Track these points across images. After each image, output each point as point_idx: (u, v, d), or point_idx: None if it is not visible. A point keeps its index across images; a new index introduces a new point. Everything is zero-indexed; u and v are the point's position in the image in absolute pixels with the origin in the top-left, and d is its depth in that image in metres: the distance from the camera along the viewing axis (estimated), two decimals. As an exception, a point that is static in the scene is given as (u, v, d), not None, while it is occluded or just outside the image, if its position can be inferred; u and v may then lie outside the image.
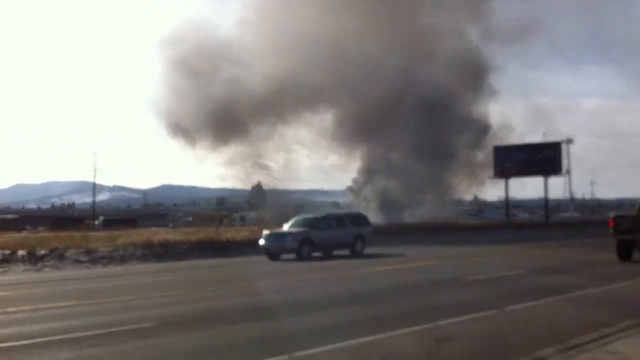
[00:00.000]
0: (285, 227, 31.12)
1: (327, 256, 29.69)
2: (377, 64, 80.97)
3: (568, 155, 79.75)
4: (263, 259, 28.60)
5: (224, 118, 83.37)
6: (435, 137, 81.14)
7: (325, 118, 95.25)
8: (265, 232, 30.56)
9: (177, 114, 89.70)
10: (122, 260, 29.42)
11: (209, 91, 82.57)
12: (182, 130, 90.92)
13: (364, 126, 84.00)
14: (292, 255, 28.54)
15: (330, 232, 29.89)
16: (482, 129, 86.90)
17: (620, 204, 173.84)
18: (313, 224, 30.23)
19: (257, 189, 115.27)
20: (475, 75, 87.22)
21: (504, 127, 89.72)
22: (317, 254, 29.52)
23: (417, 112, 79.83)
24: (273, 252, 28.90)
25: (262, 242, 29.55)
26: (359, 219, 32.98)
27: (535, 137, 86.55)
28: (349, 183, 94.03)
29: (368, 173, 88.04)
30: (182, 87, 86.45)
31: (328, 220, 31.10)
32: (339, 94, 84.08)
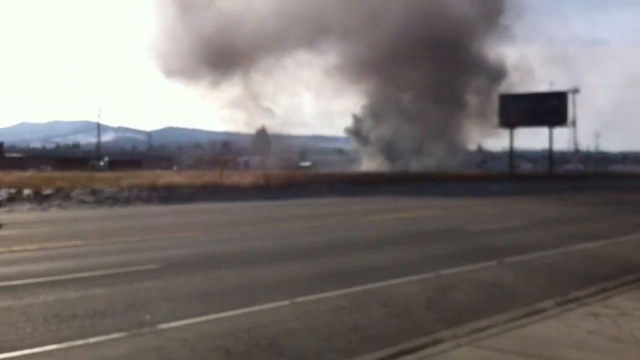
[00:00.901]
0: None
1: None
2: None
3: (574, 105, 79.15)
4: (264, 205, 28.59)
5: (221, 55, 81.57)
6: (447, 80, 79.56)
7: (328, 58, 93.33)
8: None
9: (173, 55, 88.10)
10: (128, 201, 29.58)
11: (205, 27, 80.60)
12: (179, 71, 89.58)
13: (371, 65, 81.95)
14: None
15: None
16: (497, 74, 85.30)
17: (624, 157, 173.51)
18: None
19: (261, 133, 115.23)
20: (492, 13, 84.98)
21: (522, 74, 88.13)
22: None
23: (429, 52, 77.99)
24: None
25: None
26: None
27: (556, 85, 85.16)
28: (351, 125, 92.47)
29: (373, 116, 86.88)
30: (177, 24, 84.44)
31: None
32: (346, 29, 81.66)
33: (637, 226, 19.23)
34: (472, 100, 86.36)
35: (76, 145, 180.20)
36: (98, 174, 43.69)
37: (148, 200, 29.91)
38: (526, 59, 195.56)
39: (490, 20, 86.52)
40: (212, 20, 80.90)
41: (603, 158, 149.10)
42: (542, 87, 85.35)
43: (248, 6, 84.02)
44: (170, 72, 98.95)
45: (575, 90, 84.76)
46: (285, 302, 8.68)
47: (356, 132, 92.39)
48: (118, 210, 26.48)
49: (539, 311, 8.03)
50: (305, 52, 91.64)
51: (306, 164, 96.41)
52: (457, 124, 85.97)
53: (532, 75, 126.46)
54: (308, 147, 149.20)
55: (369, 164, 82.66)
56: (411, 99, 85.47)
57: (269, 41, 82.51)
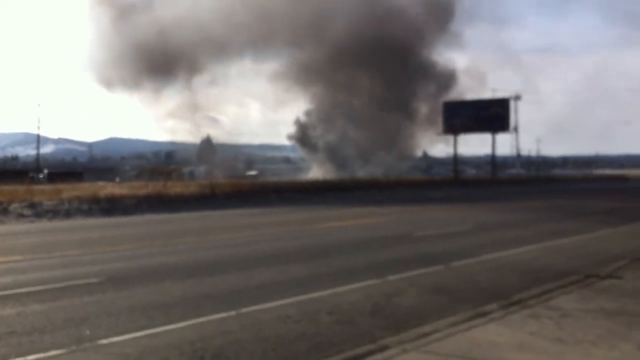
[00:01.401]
0: None
1: None
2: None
3: (516, 112, 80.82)
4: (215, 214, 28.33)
5: (163, 62, 79.67)
6: (396, 86, 79.99)
7: (275, 65, 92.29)
8: None
9: (110, 64, 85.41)
10: (68, 214, 28.89)
11: (144, 34, 78.50)
12: (118, 80, 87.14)
13: (317, 71, 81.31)
14: None
15: None
16: (447, 81, 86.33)
17: (565, 161, 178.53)
18: None
19: (207, 142, 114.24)
20: (442, 19, 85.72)
21: (474, 80, 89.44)
22: None
23: (378, 58, 78.08)
24: None
25: None
26: None
27: (508, 92, 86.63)
28: (295, 131, 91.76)
29: (320, 122, 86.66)
30: (114, 31, 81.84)
31: None
32: (293, 34, 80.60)
33: (573, 231, 19.78)
34: (421, 106, 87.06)
35: (15, 158, 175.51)
36: (37, 187, 42.55)
37: (89, 213, 29.27)
38: (479, 66, 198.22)
39: (441, 26, 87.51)
40: (151, 27, 79.34)
41: (544, 162, 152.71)
42: (498, 93, 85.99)
43: (189, 11, 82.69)
44: (108, 82, 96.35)
45: (517, 97, 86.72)
46: (232, 313, 8.58)
47: (301, 138, 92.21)
48: (58, 223, 25.84)
49: (483, 314, 8.11)
50: (251, 59, 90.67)
51: (252, 173, 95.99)
52: (405, 131, 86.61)
53: (484, 81, 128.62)
54: (255, 155, 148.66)
55: (316, 171, 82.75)
56: (359, 104, 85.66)
57: (212, 47, 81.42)
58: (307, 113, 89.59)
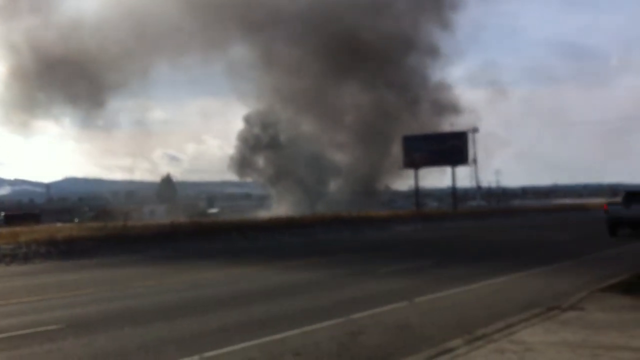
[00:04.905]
0: None
1: None
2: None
3: (474, 144, 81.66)
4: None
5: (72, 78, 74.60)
6: (378, 120, 79.85)
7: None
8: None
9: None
10: (26, 258, 28.19)
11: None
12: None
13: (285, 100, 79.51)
14: None
15: None
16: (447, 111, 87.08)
17: (524, 191, 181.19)
18: None
19: (167, 181, 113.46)
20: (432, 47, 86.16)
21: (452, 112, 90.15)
22: None
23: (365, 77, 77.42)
24: None
25: None
26: None
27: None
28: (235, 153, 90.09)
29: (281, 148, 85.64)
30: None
31: None
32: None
33: (536, 263, 20.00)
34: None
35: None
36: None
37: (47, 256, 28.61)
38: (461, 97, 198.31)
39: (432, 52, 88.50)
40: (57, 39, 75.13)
41: (504, 193, 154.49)
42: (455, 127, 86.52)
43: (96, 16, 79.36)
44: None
45: (475, 130, 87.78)
46: (194, 358, 8.42)
47: (240, 163, 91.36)
48: (16, 268, 25.21)
49: (448, 350, 8.10)
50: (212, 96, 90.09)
51: (214, 210, 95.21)
52: (387, 161, 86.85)
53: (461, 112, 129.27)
54: (216, 192, 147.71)
55: (279, 208, 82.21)
56: (333, 138, 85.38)
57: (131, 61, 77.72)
58: (259, 114, 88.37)
